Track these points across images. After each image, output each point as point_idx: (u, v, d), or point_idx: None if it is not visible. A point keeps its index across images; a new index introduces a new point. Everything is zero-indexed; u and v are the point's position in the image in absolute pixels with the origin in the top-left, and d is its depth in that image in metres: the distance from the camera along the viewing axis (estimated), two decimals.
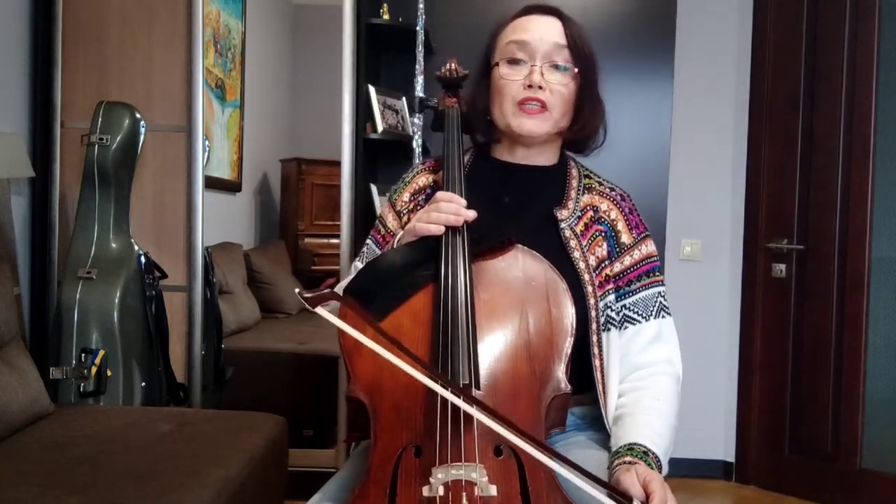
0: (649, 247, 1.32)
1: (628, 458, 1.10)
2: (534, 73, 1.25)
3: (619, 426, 1.19)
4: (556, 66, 1.26)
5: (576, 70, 1.27)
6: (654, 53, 3.02)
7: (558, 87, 1.26)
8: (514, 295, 1.13)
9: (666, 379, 1.24)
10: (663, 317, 1.28)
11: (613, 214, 1.31)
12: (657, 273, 1.31)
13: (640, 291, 1.28)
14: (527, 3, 1.34)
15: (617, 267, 1.28)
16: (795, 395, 3.00)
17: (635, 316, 1.26)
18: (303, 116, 3.88)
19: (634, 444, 1.12)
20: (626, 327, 1.26)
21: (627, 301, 1.27)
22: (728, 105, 3.21)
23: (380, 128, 2.73)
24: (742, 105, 3.18)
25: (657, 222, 3.05)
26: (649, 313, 1.27)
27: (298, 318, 3.62)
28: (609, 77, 2.98)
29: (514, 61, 1.28)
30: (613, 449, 1.15)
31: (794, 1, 3.00)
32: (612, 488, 1.01)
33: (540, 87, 1.25)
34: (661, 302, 1.29)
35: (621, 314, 1.27)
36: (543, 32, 1.27)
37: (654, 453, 1.12)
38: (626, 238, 1.30)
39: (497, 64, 1.30)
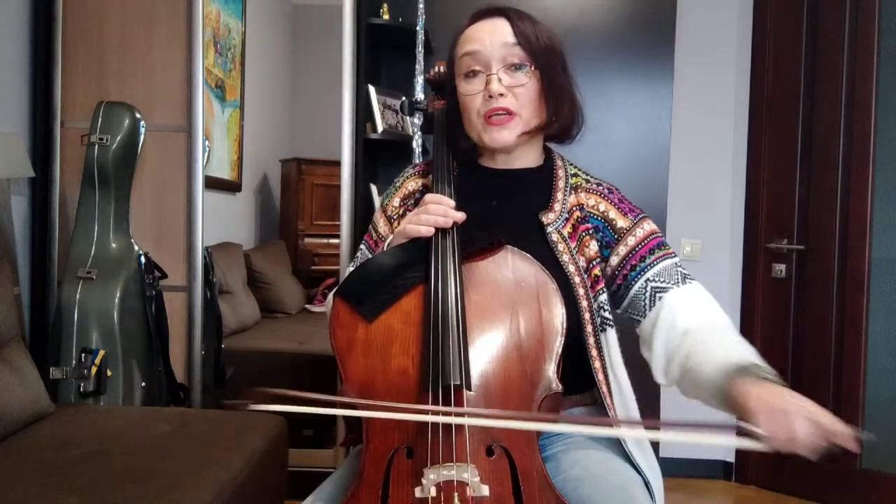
0: (650, 225, 1.29)
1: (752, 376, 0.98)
2: (491, 83, 1.22)
3: (706, 362, 1.08)
4: (512, 67, 1.23)
5: (533, 67, 1.24)
6: (654, 53, 3.02)
7: (520, 88, 1.23)
8: (504, 296, 1.13)
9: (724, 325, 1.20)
10: (689, 282, 1.24)
11: (602, 207, 1.29)
12: (666, 247, 1.28)
13: (657, 263, 1.25)
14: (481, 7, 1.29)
15: (622, 249, 1.26)
16: None
17: (664, 284, 1.23)
18: (303, 116, 3.88)
19: (746, 364, 1.01)
20: (659, 297, 1.22)
21: (649, 273, 1.24)
22: (728, 105, 3.21)
23: (380, 128, 2.74)
24: (742, 105, 3.18)
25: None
26: (675, 281, 1.23)
27: (298, 318, 3.63)
28: (609, 77, 3.01)
29: (470, 74, 1.25)
30: (726, 371, 1.02)
31: (794, 1, 3.00)
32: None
33: (501, 95, 1.22)
34: (680, 271, 1.25)
35: (648, 288, 1.23)
36: (492, 36, 1.23)
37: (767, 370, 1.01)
38: (622, 223, 1.28)
39: (458, 81, 1.27)
